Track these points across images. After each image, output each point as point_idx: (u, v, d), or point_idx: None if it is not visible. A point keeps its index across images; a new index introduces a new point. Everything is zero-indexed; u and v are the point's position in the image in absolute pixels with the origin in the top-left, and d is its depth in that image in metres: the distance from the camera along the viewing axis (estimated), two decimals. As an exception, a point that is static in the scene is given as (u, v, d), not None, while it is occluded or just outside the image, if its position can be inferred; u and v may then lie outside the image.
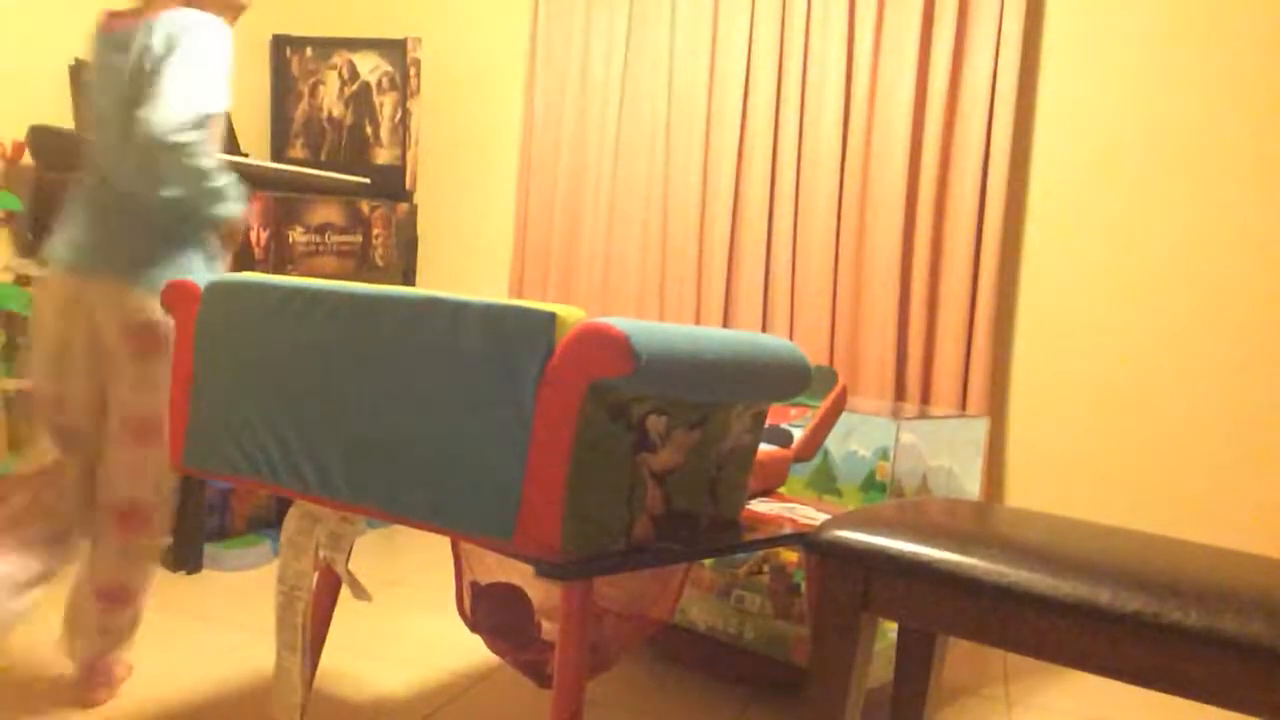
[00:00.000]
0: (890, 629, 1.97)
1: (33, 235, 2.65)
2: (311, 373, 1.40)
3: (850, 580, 1.34)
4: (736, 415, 1.47)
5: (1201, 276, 2.64)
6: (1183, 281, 2.66)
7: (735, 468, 1.52)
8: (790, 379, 1.50)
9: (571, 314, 1.24)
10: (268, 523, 2.95)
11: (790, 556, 2.01)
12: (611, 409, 1.26)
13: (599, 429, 1.25)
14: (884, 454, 1.99)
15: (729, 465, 1.50)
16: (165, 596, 2.41)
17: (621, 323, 1.23)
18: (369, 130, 3.24)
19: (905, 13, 2.80)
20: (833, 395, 1.90)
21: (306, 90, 3.29)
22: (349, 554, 1.74)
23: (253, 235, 2.68)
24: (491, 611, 1.83)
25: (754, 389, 1.47)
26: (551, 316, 1.22)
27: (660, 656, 2.24)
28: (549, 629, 1.82)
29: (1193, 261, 2.65)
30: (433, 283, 3.36)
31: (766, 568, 2.05)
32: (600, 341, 1.21)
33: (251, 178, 2.78)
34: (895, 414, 2.18)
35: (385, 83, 3.22)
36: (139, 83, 1.70)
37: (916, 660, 1.58)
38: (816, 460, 2.00)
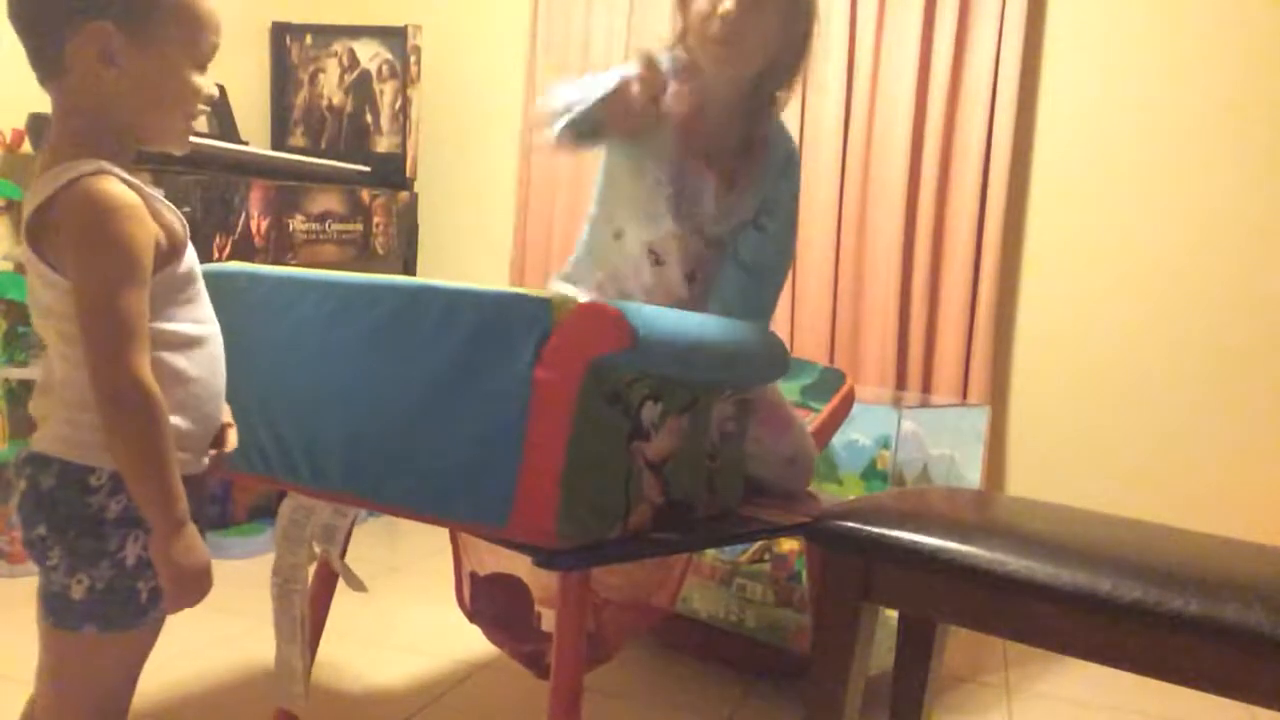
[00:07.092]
0: (891, 617, 1.97)
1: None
2: (304, 363, 1.39)
3: (851, 569, 1.33)
4: (720, 402, 1.47)
5: (1203, 267, 2.62)
6: (1184, 272, 2.64)
7: (730, 457, 1.52)
8: (772, 361, 1.53)
9: (566, 300, 1.23)
10: (269, 512, 2.95)
11: (791, 545, 2.00)
12: (609, 393, 1.25)
13: (596, 414, 1.24)
14: (885, 443, 1.98)
15: (723, 455, 1.50)
16: (166, 586, 2.41)
17: (615, 303, 1.24)
18: (369, 118, 3.23)
19: (907, 6, 2.78)
20: (840, 395, 1.89)
21: (306, 78, 3.28)
22: (345, 546, 1.74)
23: (253, 224, 2.67)
24: (490, 602, 1.83)
25: (741, 370, 1.48)
26: (547, 302, 1.21)
27: (661, 644, 2.24)
28: (549, 619, 1.82)
29: (1194, 252, 2.63)
30: (433, 271, 3.35)
31: (768, 556, 2.04)
32: (599, 319, 1.21)
33: (251, 166, 2.77)
34: (896, 402, 2.17)
35: (385, 70, 3.20)
36: None
37: (917, 648, 1.57)
38: (817, 449, 2.00)
